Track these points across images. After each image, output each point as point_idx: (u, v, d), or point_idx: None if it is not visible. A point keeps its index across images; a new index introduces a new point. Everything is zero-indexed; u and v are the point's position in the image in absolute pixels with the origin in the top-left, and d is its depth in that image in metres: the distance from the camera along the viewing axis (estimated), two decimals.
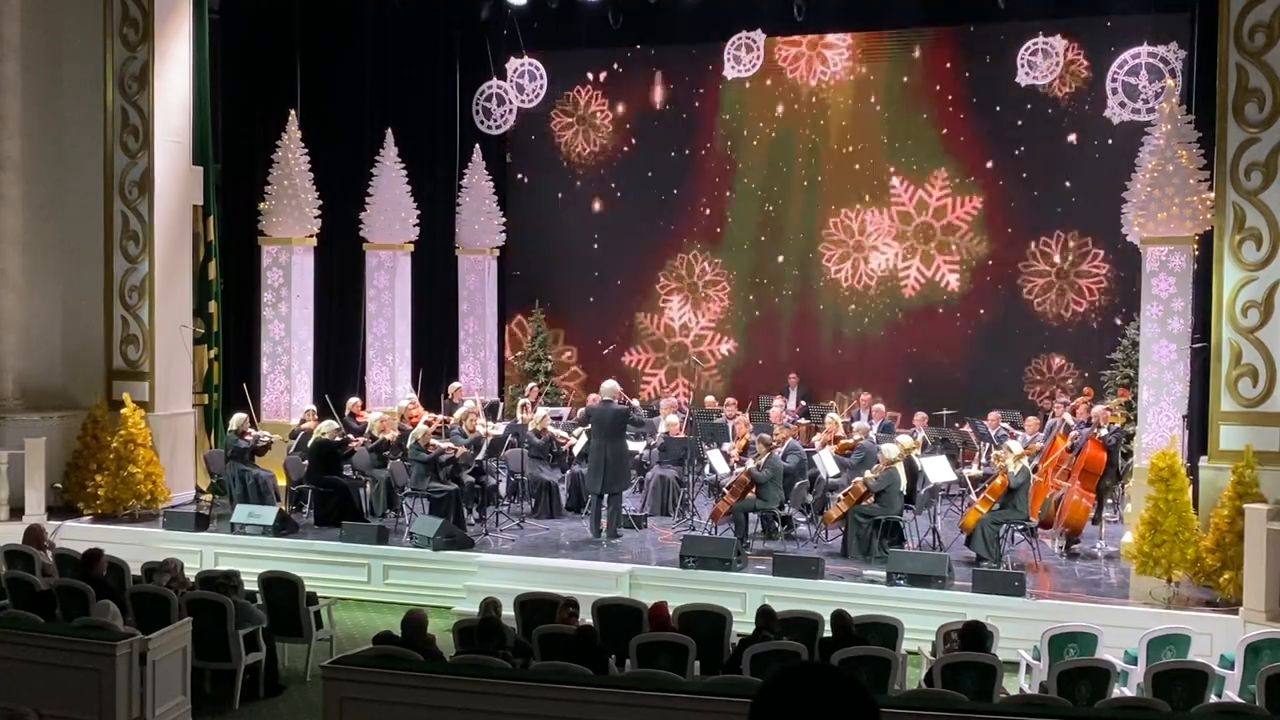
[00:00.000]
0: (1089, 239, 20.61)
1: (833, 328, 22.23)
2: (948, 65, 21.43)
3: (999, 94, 20.81)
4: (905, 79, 21.65)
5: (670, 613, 10.93)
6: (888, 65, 21.77)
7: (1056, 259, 20.88)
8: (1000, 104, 20.96)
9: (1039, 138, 20.75)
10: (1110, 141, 19.92)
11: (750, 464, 15.52)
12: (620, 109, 23.25)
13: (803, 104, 22.19)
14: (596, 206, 23.47)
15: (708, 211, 22.88)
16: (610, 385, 16.42)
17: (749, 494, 15.45)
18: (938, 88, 21.45)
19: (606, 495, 15.87)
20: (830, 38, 21.69)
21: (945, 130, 21.42)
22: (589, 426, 16.94)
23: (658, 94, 23.02)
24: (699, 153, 22.80)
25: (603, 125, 23.33)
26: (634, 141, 23.21)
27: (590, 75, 23.30)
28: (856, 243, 21.96)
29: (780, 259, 22.49)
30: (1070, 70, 20.11)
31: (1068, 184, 20.65)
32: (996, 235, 21.26)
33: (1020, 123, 20.88)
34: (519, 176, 23.73)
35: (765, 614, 10.82)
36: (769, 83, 22.03)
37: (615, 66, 23.15)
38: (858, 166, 21.99)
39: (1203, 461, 14.03)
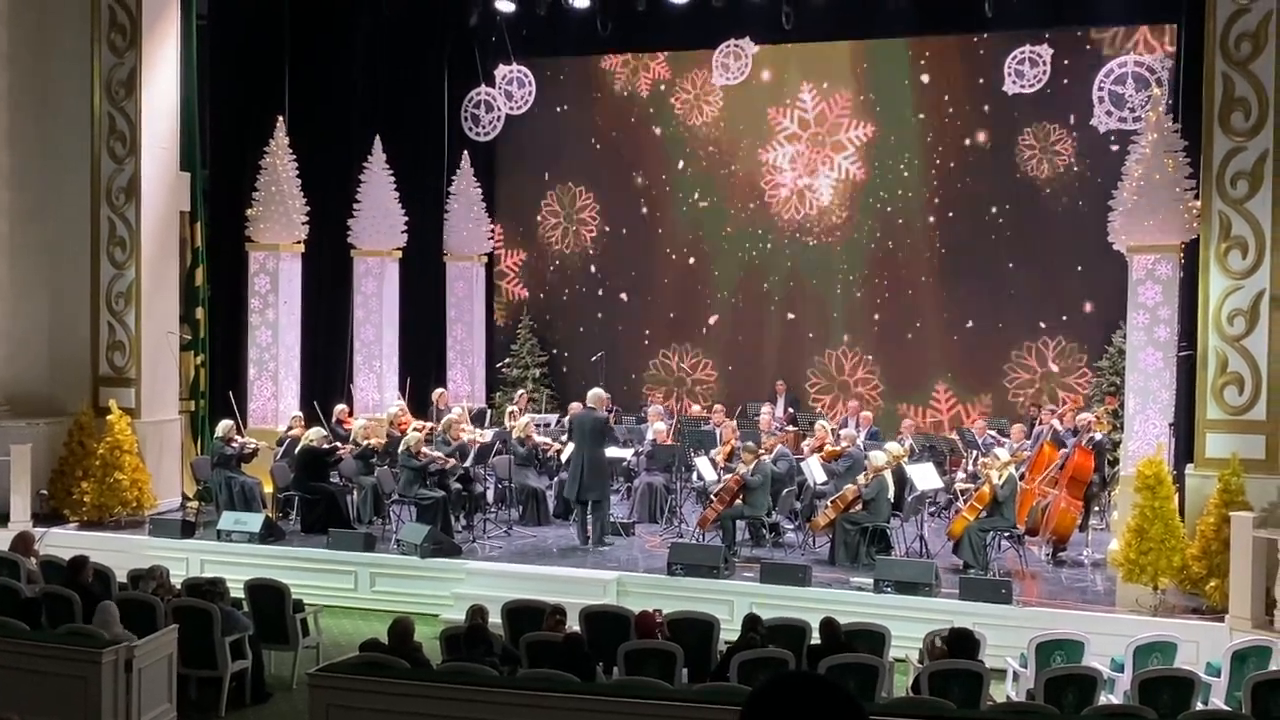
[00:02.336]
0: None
1: (823, 336, 22.28)
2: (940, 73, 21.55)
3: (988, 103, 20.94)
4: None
5: (659, 620, 10.93)
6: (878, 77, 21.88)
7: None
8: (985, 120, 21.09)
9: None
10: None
11: (741, 469, 15.53)
12: (606, 111, 23.33)
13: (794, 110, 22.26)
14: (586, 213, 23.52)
15: (698, 211, 22.99)
16: (596, 393, 16.41)
17: (737, 500, 15.45)
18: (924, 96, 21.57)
19: (591, 502, 15.85)
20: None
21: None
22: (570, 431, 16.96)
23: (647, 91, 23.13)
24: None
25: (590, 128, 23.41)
26: (620, 148, 23.30)
27: (579, 79, 23.37)
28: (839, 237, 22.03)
29: (768, 264, 22.55)
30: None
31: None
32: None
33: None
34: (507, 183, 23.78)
35: (751, 621, 10.82)
36: (759, 88, 22.11)
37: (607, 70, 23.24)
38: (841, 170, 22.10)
39: (1189, 469, 14.07)
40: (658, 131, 23.04)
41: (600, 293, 23.52)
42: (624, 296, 23.42)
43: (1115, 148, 19.14)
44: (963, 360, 21.36)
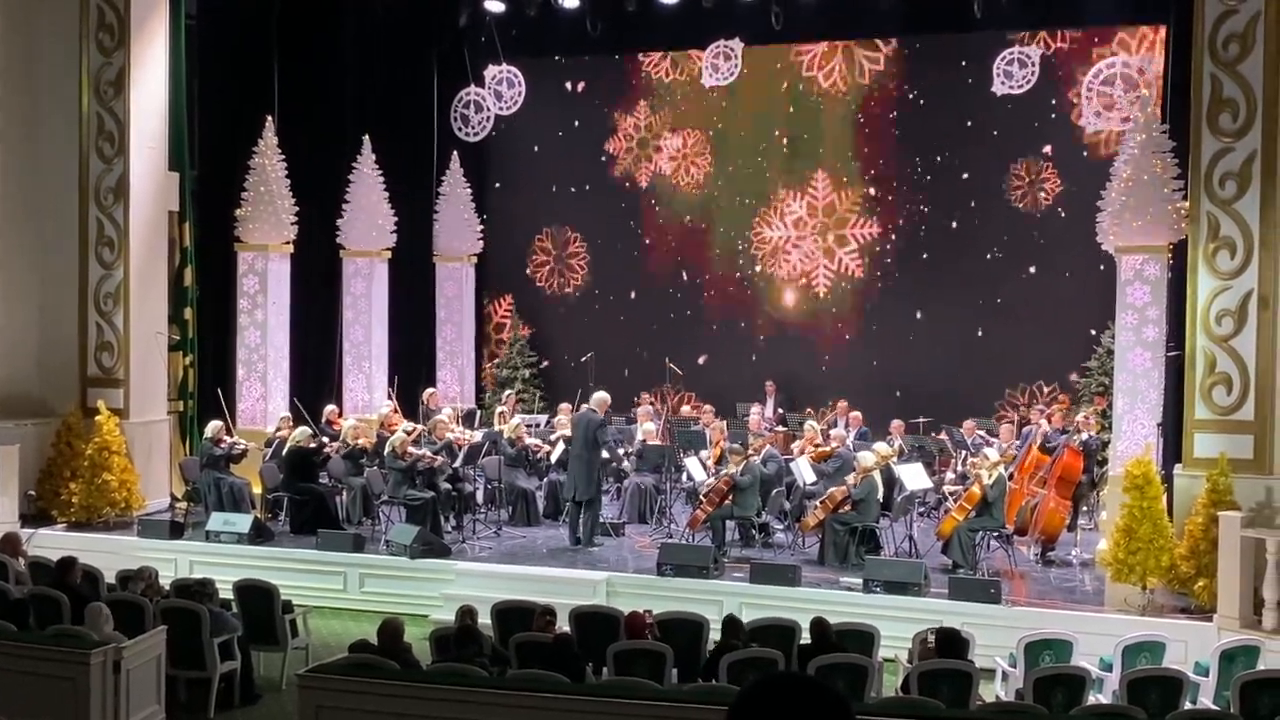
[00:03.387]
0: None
1: (809, 335, 22.30)
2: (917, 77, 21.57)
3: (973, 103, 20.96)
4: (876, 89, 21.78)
5: (648, 621, 10.92)
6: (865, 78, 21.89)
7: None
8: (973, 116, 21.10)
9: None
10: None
11: (730, 469, 15.53)
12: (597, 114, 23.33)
13: (781, 110, 22.28)
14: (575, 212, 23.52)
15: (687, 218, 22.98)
16: (600, 396, 16.40)
17: (727, 501, 15.45)
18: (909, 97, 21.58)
19: (583, 502, 15.86)
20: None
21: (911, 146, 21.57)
22: (567, 433, 16.94)
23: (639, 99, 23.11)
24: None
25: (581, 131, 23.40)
26: (610, 149, 23.29)
27: (568, 83, 23.37)
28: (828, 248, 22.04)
29: (755, 269, 22.56)
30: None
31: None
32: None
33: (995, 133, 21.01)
34: (495, 184, 23.75)
35: (731, 623, 10.83)
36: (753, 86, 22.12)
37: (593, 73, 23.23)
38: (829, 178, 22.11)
39: (1177, 469, 14.09)
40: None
41: (595, 307, 23.51)
42: (612, 298, 23.43)
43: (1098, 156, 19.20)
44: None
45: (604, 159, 23.20)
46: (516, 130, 23.12)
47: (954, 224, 21.27)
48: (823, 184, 21.99)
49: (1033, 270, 20.82)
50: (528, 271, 23.75)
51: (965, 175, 21.22)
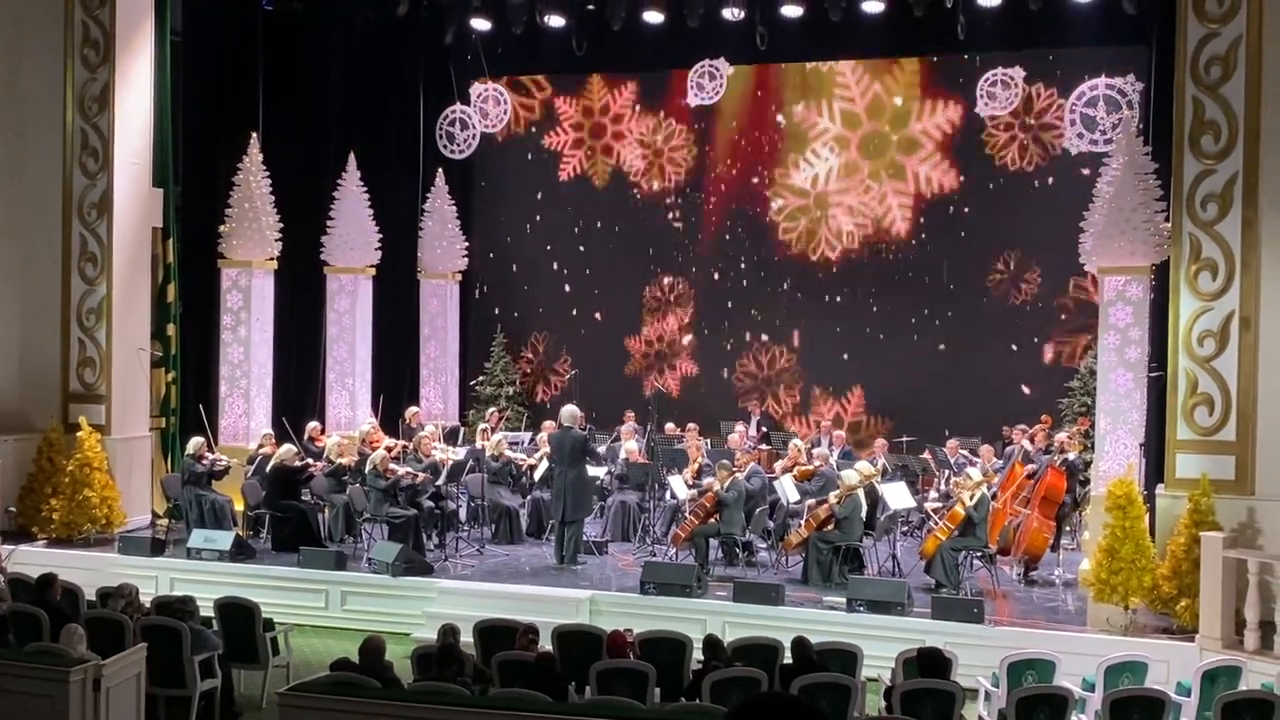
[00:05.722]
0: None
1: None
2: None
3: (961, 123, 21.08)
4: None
5: (629, 640, 10.90)
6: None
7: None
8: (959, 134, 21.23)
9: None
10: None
11: (716, 484, 15.52)
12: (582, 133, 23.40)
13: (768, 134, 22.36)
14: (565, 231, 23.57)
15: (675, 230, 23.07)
16: (570, 411, 16.37)
17: (712, 518, 15.44)
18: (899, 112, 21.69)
19: (568, 521, 15.82)
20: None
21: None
22: (549, 451, 16.90)
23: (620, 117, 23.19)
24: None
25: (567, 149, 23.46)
26: (595, 166, 23.36)
27: (555, 100, 23.45)
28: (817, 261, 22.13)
29: (744, 284, 22.65)
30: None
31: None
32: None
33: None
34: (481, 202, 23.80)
35: (712, 644, 10.81)
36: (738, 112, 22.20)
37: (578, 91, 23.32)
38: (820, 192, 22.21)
39: (1159, 489, 14.14)
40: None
41: (574, 312, 23.57)
42: (598, 316, 23.46)
43: (1085, 171, 19.29)
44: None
45: (585, 172, 23.32)
46: (501, 147, 23.19)
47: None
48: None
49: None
50: (515, 287, 23.77)
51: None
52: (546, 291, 23.66)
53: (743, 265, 22.70)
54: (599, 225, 23.42)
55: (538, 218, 23.67)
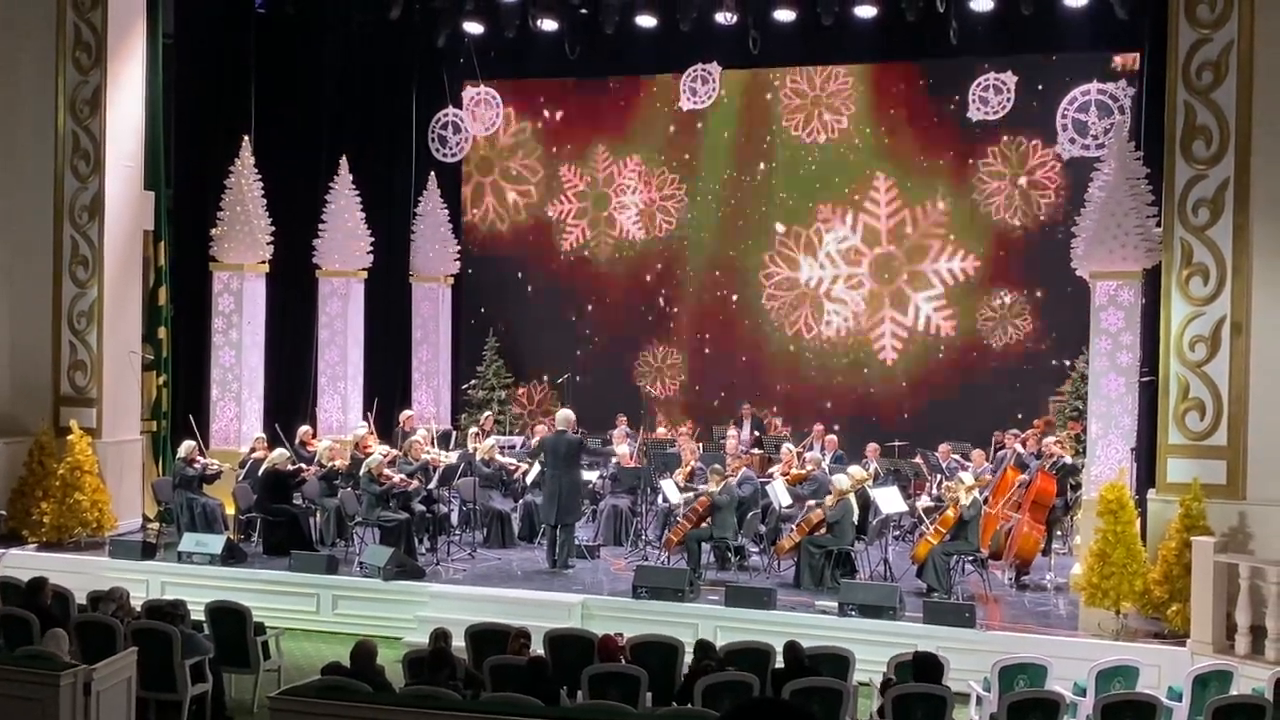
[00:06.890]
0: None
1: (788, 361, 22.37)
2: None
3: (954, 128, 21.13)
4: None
5: (621, 644, 10.89)
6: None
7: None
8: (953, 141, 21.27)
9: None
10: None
11: (709, 488, 15.52)
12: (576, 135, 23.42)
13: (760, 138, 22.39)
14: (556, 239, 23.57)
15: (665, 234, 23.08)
16: (565, 414, 16.36)
17: (704, 522, 15.44)
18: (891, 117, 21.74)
19: (561, 525, 15.81)
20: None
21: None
22: (541, 455, 16.87)
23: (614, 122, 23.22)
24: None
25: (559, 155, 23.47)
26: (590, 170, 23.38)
27: (546, 104, 23.46)
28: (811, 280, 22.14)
29: (734, 298, 22.70)
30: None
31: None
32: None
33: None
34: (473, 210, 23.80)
35: (704, 646, 10.81)
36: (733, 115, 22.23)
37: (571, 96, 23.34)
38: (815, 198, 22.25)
39: (1151, 494, 14.15)
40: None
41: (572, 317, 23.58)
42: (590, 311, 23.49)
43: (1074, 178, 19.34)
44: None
45: (580, 184, 23.33)
46: (494, 152, 23.21)
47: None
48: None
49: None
50: (506, 290, 23.78)
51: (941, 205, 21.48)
52: (541, 294, 23.67)
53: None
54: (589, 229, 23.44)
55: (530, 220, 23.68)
